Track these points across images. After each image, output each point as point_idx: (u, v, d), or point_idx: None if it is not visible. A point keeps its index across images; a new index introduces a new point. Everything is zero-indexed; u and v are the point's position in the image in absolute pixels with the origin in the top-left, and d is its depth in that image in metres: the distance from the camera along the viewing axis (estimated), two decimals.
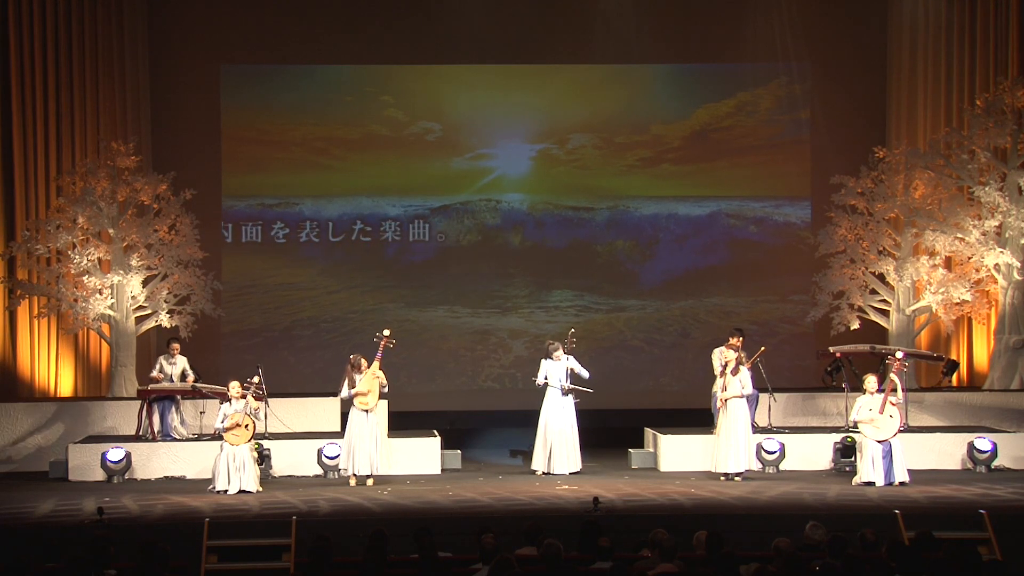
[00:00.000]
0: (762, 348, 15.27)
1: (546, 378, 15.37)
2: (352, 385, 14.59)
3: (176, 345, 16.50)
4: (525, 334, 19.93)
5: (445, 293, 20.14)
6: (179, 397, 16.07)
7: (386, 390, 14.77)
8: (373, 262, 20.14)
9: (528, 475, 15.33)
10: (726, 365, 14.72)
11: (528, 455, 15.80)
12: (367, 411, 14.55)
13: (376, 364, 14.58)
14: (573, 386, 15.31)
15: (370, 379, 14.55)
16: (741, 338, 15.13)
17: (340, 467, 14.96)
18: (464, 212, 20.26)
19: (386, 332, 14.70)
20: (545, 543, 9.06)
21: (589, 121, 20.26)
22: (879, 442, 14.05)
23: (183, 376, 16.26)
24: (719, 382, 14.80)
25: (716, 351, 15.54)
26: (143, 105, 19.44)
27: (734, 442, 14.49)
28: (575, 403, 15.41)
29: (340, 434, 15.14)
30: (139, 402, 15.98)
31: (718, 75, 20.40)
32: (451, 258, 20.22)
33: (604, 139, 20.28)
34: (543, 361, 15.45)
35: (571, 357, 15.36)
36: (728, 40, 20.22)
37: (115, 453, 15.15)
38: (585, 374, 15.35)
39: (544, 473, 15.24)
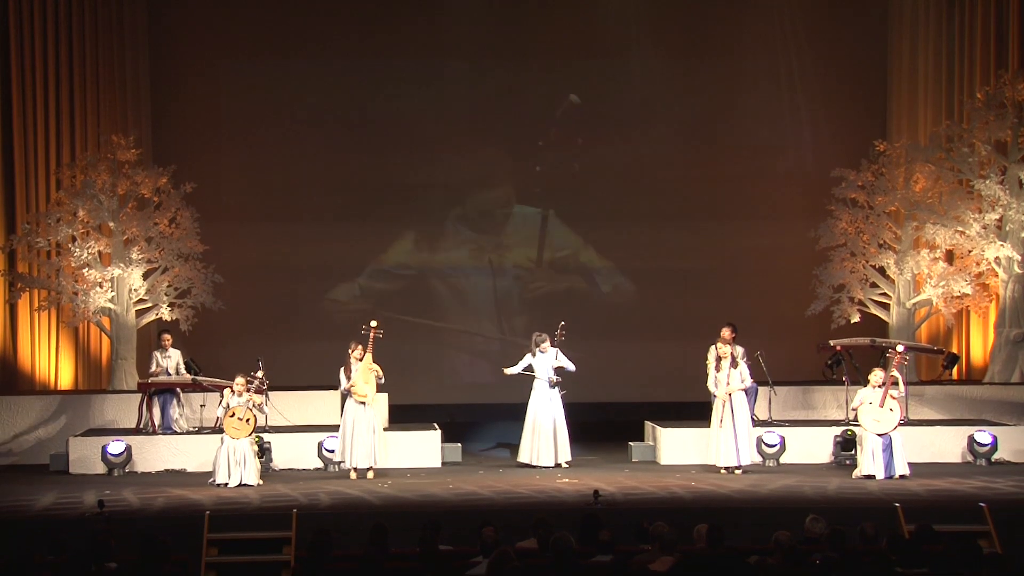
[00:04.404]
0: (758, 352, 15.35)
1: (529, 368, 15.38)
2: (349, 376, 14.60)
3: (167, 336, 16.42)
4: (523, 331, 19.90)
5: (445, 292, 20.14)
6: (179, 390, 16.07)
7: (382, 380, 14.74)
8: (372, 255, 20.15)
9: (528, 469, 15.33)
10: (720, 359, 14.69)
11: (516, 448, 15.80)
12: (364, 403, 14.56)
13: (369, 356, 14.57)
14: (559, 377, 15.33)
15: (365, 371, 14.53)
16: (734, 332, 15.09)
17: (335, 460, 14.99)
18: (461, 212, 20.22)
19: (373, 323, 14.66)
20: (555, 535, 9.05)
21: (588, 119, 20.19)
22: (879, 435, 14.07)
23: (178, 371, 16.22)
24: (712, 376, 14.78)
25: (712, 347, 15.51)
26: (143, 98, 19.39)
27: (736, 436, 14.49)
28: (562, 395, 15.42)
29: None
30: (139, 395, 15.99)
31: (718, 73, 20.32)
32: (451, 257, 20.22)
33: (602, 138, 20.22)
34: (527, 356, 15.47)
35: (558, 351, 15.38)
36: (728, 38, 20.18)
37: (116, 446, 15.16)
38: (571, 367, 15.37)
39: (530, 465, 15.25)
